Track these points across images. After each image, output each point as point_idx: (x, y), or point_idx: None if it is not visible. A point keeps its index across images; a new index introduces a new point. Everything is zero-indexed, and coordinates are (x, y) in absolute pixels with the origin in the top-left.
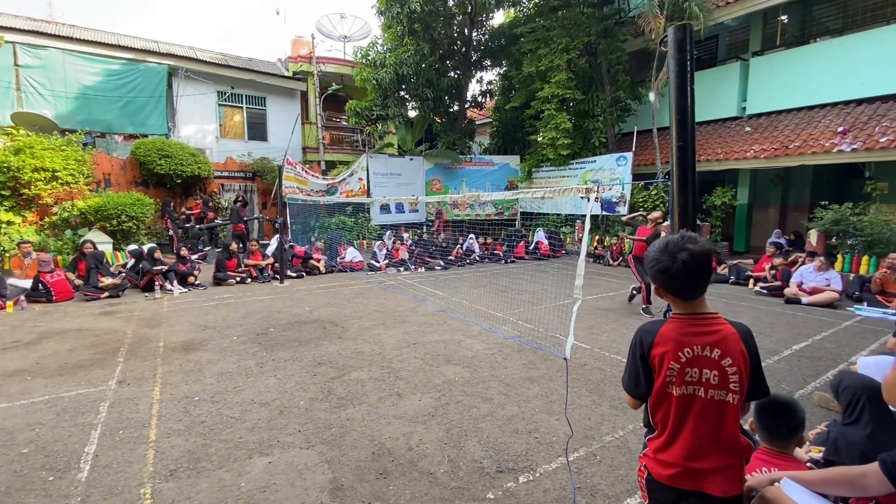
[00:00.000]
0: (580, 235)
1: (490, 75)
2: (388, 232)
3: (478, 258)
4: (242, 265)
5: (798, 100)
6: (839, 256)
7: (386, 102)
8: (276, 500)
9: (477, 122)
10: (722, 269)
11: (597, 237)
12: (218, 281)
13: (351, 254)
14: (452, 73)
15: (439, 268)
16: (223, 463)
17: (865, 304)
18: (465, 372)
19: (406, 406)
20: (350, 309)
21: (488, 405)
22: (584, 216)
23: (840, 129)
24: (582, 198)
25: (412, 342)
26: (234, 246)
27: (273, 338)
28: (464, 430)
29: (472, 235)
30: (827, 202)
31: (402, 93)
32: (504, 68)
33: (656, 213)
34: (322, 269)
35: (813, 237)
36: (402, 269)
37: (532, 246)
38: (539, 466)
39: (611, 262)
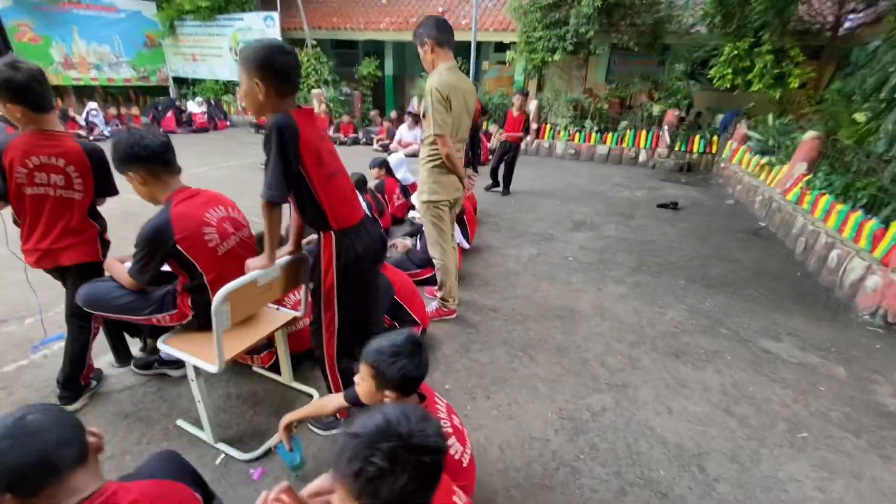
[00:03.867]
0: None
1: None
2: None
3: (105, 135)
4: None
5: None
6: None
7: None
8: None
9: None
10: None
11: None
12: None
13: None
14: None
15: None
16: None
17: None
18: None
19: None
20: None
21: None
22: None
23: (440, 9)
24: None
25: None
26: None
27: None
28: None
29: (92, 105)
30: (423, 74)
31: None
32: None
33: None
34: None
35: (416, 102)
36: None
37: (185, 117)
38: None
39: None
